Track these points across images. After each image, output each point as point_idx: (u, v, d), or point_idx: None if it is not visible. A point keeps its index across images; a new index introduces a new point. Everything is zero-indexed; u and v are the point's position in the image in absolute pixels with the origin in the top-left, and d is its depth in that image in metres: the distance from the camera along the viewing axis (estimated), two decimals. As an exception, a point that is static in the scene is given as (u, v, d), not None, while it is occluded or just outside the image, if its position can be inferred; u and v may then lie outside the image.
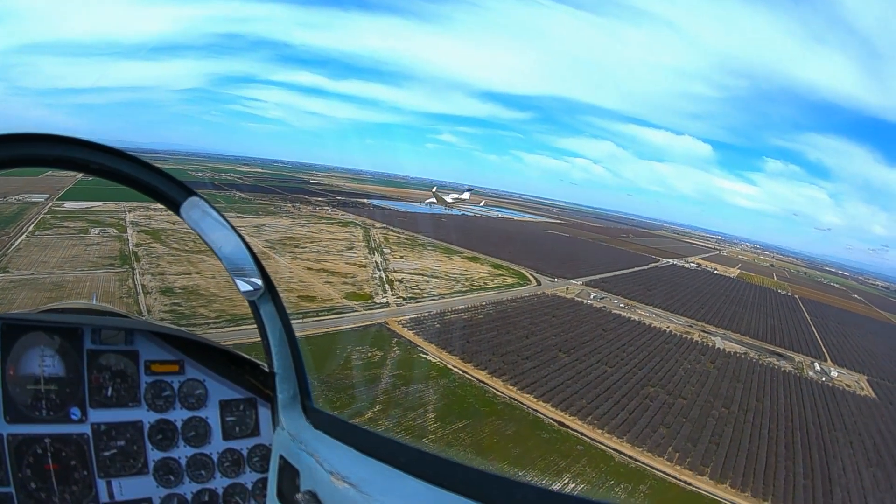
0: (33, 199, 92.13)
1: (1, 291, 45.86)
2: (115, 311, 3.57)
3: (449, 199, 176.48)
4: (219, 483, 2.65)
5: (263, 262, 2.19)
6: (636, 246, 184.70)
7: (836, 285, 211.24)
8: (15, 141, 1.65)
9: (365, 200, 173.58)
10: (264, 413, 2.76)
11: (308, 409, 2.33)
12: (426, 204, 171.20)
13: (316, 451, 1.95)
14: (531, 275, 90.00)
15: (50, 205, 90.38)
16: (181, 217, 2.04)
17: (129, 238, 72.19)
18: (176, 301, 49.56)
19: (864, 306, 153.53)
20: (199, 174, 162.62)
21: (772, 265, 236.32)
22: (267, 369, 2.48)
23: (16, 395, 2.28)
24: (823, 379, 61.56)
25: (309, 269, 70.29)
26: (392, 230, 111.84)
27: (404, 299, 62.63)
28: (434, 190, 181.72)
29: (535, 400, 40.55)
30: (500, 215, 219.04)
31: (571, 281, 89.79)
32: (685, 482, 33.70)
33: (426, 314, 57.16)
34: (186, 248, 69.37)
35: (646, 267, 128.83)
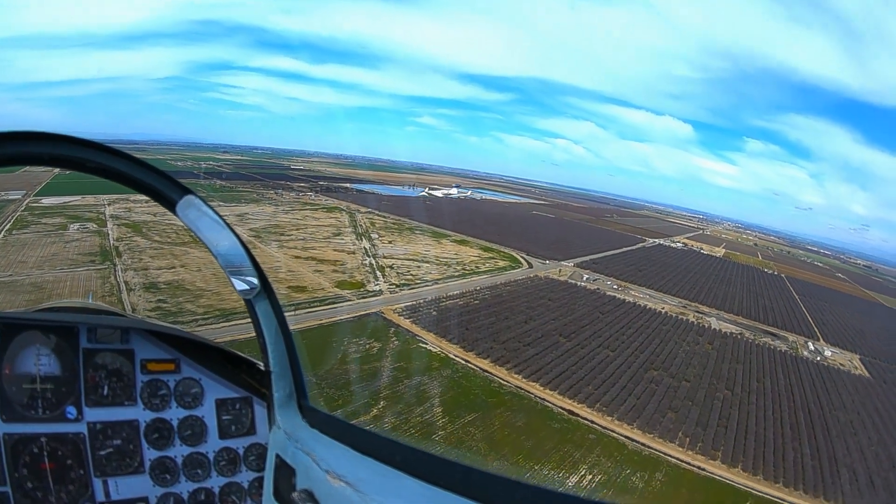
0: (10, 197, 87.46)
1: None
2: (111, 309, 3.44)
3: (439, 194, 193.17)
4: (215, 482, 2.59)
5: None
6: (621, 226, 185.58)
7: (819, 264, 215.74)
8: (8, 139, 1.60)
9: (348, 185, 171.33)
10: (260, 412, 2.70)
11: (304, 407, 2.26)
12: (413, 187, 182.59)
13: (312, 450, 1.92)
14: (522, 257, 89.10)
15: (27, 201, 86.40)
16: (177, 216, 1.99)
17: (110, 232, 68.79)
18: (161, 297, 47.15)
19: (848, 285, 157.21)
20: (179, 164, 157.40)
21: (755, 244, 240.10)
22: (263, 368, 2.41)
23: (12, 394, 2.23)
24: (818, 359, 62.21)
25: (297, 257, 68.09)
26: (378, 215, 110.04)
27: (397, 286, 60.96)
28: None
29: (541, 388, 39.58)
30: (483, 197, 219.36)
31: (562, 263, 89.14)
32: (699, 468, 33.25)
33: (421, 301, 55.62)
34: (169, 240, 66.61)
35: (634, 247, 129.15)
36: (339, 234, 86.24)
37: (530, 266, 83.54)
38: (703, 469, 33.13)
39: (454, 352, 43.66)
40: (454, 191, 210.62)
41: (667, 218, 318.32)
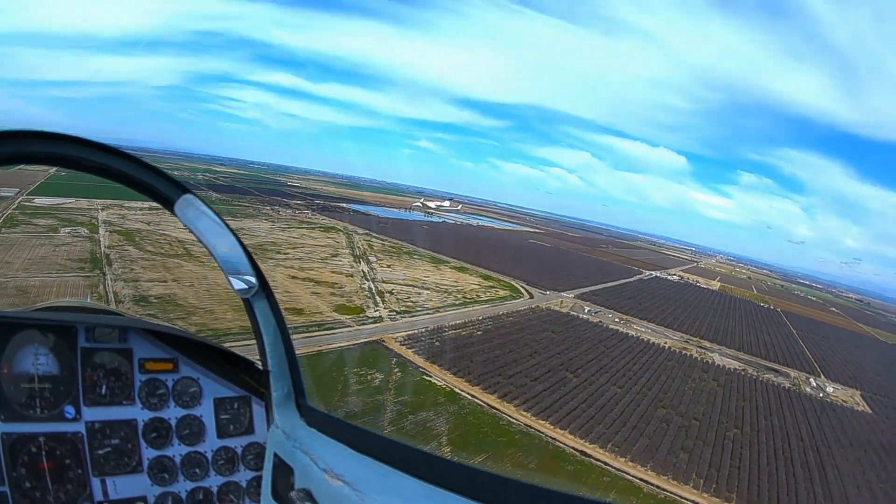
0: (2, 194, 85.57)
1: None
2: (109, 309, 3.43)
3: (432, 205, 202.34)
4: (213, 481, 2.57)
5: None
6: (616, 257, 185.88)
7: (813, 298, 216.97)
8: (7, 138, 1.60)
9: (345, 205, 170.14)
10: (258, 411, 2.68)
11: (302, 406, 2.25)
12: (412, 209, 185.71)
13: (310, 449, 1.92)
14: (522, 287, 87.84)
15: (19, 200, 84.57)
16: (176, 215, 2.00)
17: (102, 239, 66.75)
18: (151, 312, 45.04)
19: (842, 319, 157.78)
20: (175, 174, 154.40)
21: (749, 277, 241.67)
22: (261, 367, 2.39)
23: (10, 394, 2.22)
24: (821, 395, 61.51)
25: (293, 277, 66.33)
26: (375, 237, 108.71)
27: (397, 313, 59.30)
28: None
29: (551, 427, 37.95)
30: (479, 223, 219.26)
31: (563, 294, 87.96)
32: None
33: (422, 330, 53.98)
34: (162, 251, 64.78)
35: (631, 279, 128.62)
36: (336, 256, 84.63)
37: (531, 296, 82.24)
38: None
39: (460, 385, 41.97)
40: (447, 203, 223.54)
41: (660, 250, 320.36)
